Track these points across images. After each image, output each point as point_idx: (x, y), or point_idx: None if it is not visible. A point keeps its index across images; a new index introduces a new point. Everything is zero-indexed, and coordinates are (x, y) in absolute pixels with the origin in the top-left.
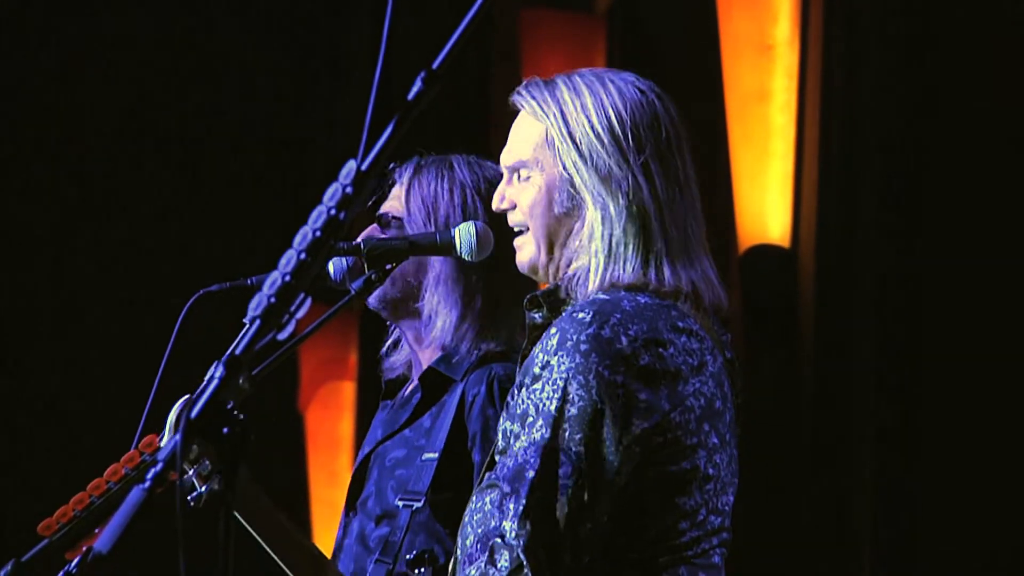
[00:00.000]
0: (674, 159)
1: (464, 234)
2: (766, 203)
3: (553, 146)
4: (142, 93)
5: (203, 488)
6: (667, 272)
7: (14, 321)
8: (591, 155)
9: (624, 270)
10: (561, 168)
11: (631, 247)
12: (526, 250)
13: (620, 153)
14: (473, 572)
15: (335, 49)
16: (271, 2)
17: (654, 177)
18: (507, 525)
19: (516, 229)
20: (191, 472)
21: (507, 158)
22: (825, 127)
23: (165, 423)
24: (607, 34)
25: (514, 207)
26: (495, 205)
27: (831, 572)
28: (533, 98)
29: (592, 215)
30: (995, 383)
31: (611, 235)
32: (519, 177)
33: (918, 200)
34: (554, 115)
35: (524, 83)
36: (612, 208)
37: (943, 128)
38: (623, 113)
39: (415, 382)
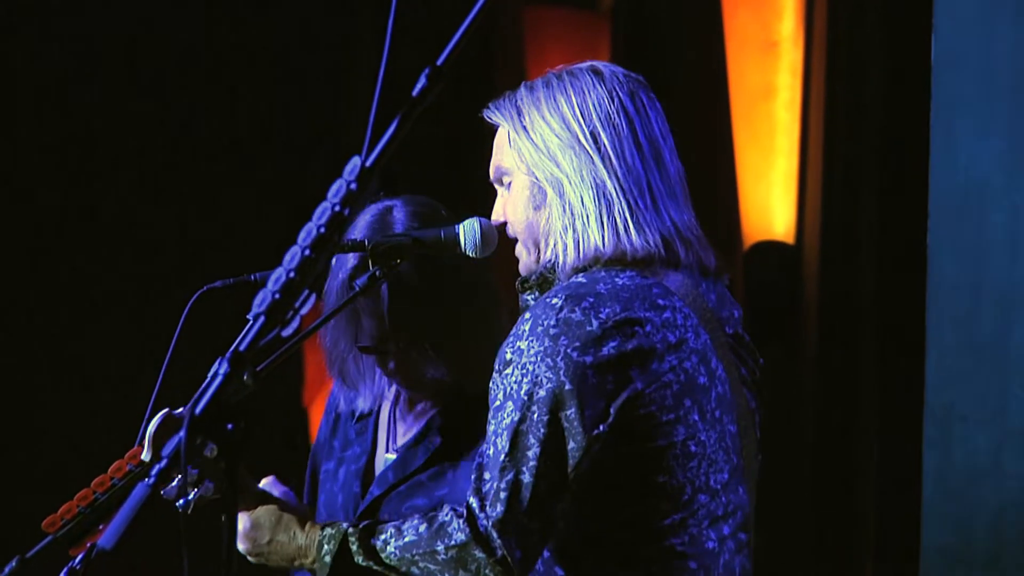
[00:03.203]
0: (631, 124)
1: (468, 230)
2: (770, 200)
3: (515, 144)
4: (142, 89)
5: (192, 494)
6: (635, 234)
7: (16, 317)
8: (542, 140)
9: (593, 240)
10: (524, 163)
11: (592, 215)
12: (521, 257)
13: (568, 131)
14: (447, 518)
15: (339, 44)
16: None
17: (605, 146)
18: (476, 503)
19: (514, 241)
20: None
21: (490, 172)
22: (829, 124)
23: (144, 435)
24: (611, 32)
25: (507, 220)
26: (492, 221)
27: (834, 569)
28: (497, 109)
29: (552, 197)
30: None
31: (572, 210)
32: (504, 187)
33: (922, 196)
34: (511, 115)
35: (494, 99)
36: (567, 185)
37: (947, 125)
38: (572, 96)
39: (422, 424)
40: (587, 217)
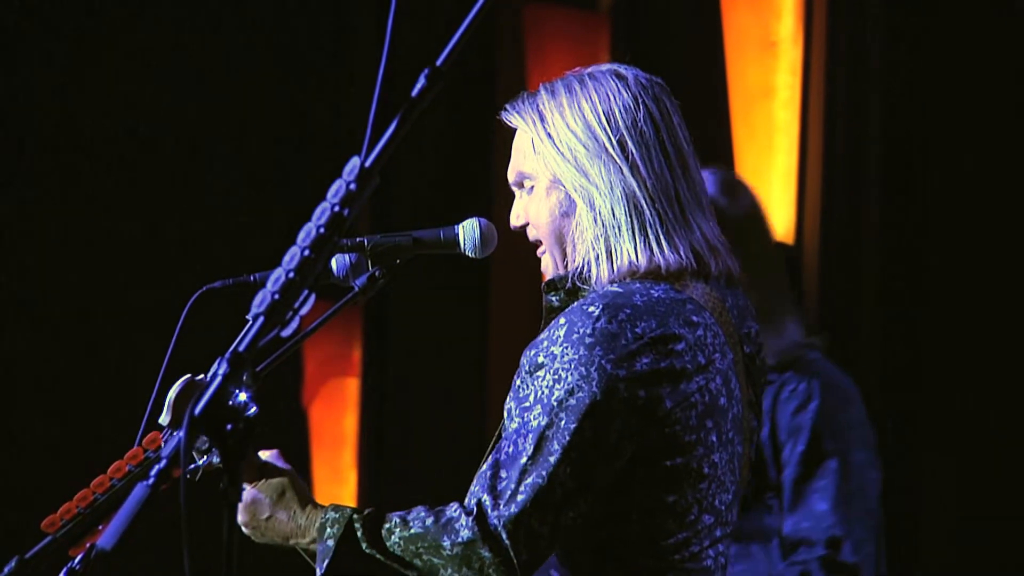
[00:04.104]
0: (657, 132)
1: (468, 231)
2: (770, 200)
3: (539, 151)
4: (142, 90)
5: (201, 461)
6: (666, 247)
7: (15, 318)
8: (569, 149)
9: (627, 253)
10: (549, 171)
11: (624, 228)
12: (548, 265)
13: (595, 140)
14: (455, 513)
15: (339, 45)
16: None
17: (632, 154)
18: (491, 501)
19: (536, 244)
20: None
21: (509, 175)
22: (829, 123)
23: (165, 401)
24: (611, 31)
25: (528, 223)
26: (512, 224)
27: None
28: (517, 112)
29: (581, 207)
30: (999, 380)
31: (603, 222)
32: (525, 190)
33: (922, 196)
34: (533, 121)
35: (512, 100)
36: (597, 197)
37: (947, 124)
38: (596, 103)
39: None
40: (619, 229)
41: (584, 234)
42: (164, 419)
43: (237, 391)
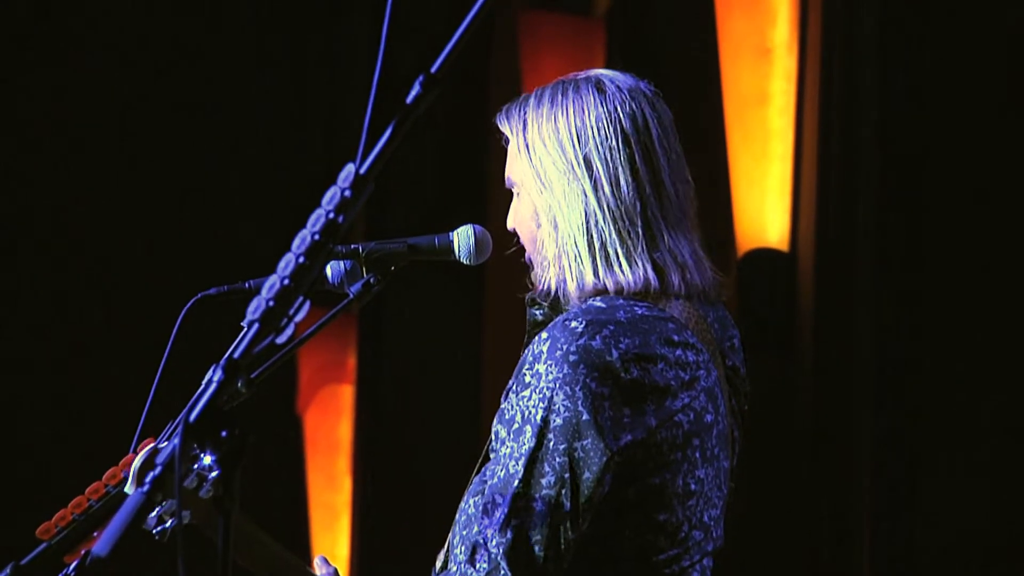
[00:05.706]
0: (628, 147)
1: (463, 237)
2: (765, 207)
3: (519, 161)
4: (138, 93)
5: (168, 523)
6: (626, 267)
7: (12, 323)
8: (540, 163)
9: (588, 274)
10: (525, 182)
11: (583, 248)
12: (532, 266)
13: (563, 156)
14: (453, 568)
15: (334, 52)
16: (270, 3)
17: (597, 171)
18: (490, 532)
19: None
20: (163, 507)
21: (506, 179)
22: (824, 130)
23: (130, 474)
24: (606, 37)
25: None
26: (508, 226)
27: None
28: (507, 117)
29: (545, 222)
30: (995, 387)
31: (563, 240)
32: (516, 195)
33: (918, 204)
34: (517, 130)
35: (508, 103)
36: (559, 215)
37: (942, 131)
38: (571, 117)
39: None
40: (577, 247)
41: (548, 249)
42: (130, 489)
43: (202, 453)
